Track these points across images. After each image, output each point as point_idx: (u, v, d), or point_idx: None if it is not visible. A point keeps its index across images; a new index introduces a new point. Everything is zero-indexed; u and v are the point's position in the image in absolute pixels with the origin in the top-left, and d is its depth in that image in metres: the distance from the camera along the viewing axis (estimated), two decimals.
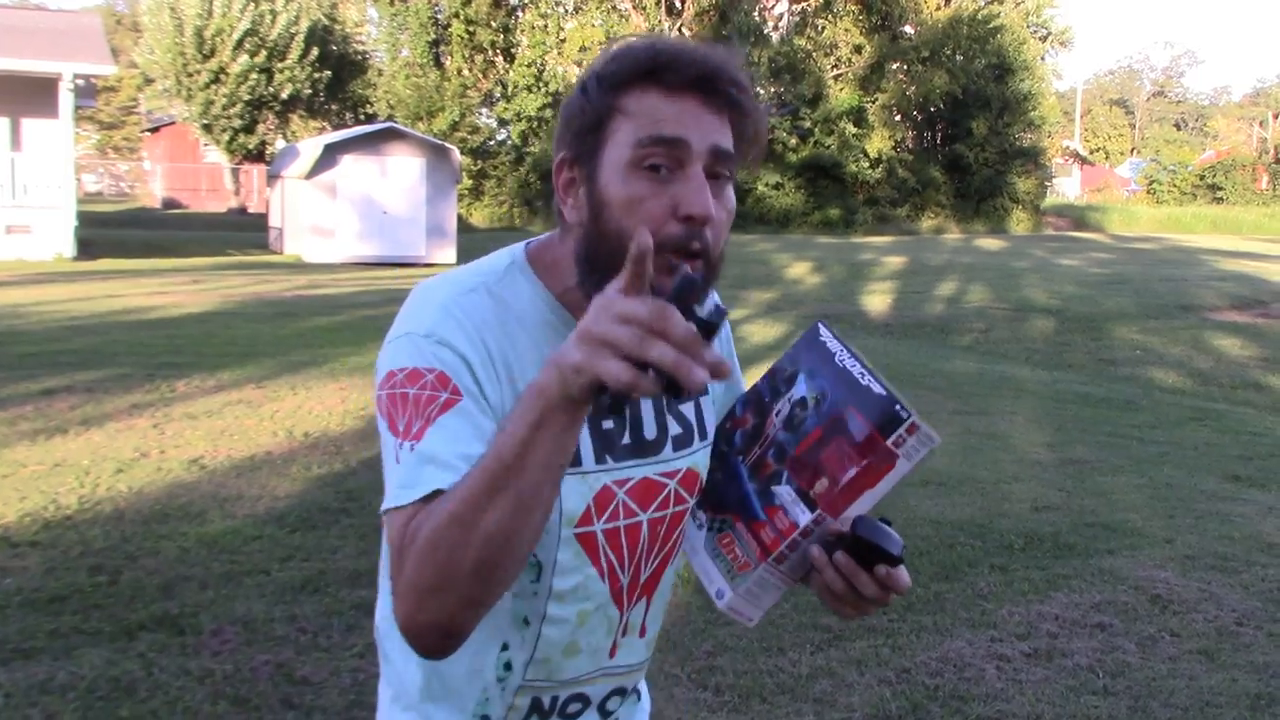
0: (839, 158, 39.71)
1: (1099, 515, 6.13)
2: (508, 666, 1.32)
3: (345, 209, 23.51)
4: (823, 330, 1.34)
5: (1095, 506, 6.32)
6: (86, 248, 21.42)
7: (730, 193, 1.24)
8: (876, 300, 17.95)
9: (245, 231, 30.49)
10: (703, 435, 1.39)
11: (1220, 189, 55.85)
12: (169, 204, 44.49)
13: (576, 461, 1.26)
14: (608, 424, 1.30)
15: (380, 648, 1.42)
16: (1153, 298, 18.27)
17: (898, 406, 1.21)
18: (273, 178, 27.53)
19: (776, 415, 1.33)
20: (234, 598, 4.43)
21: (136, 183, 52.60)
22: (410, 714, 1.37)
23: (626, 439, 1.31)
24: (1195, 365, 12.88)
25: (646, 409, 1.34)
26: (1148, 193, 58.12)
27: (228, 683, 3.72)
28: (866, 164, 40.30)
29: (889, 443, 1.22)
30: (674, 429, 1.36)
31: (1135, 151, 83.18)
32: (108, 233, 26.47)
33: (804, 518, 1.28)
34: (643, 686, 1.54)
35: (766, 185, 39.10)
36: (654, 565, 1.37)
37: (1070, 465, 7.33)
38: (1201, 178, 57.43)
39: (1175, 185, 57.27)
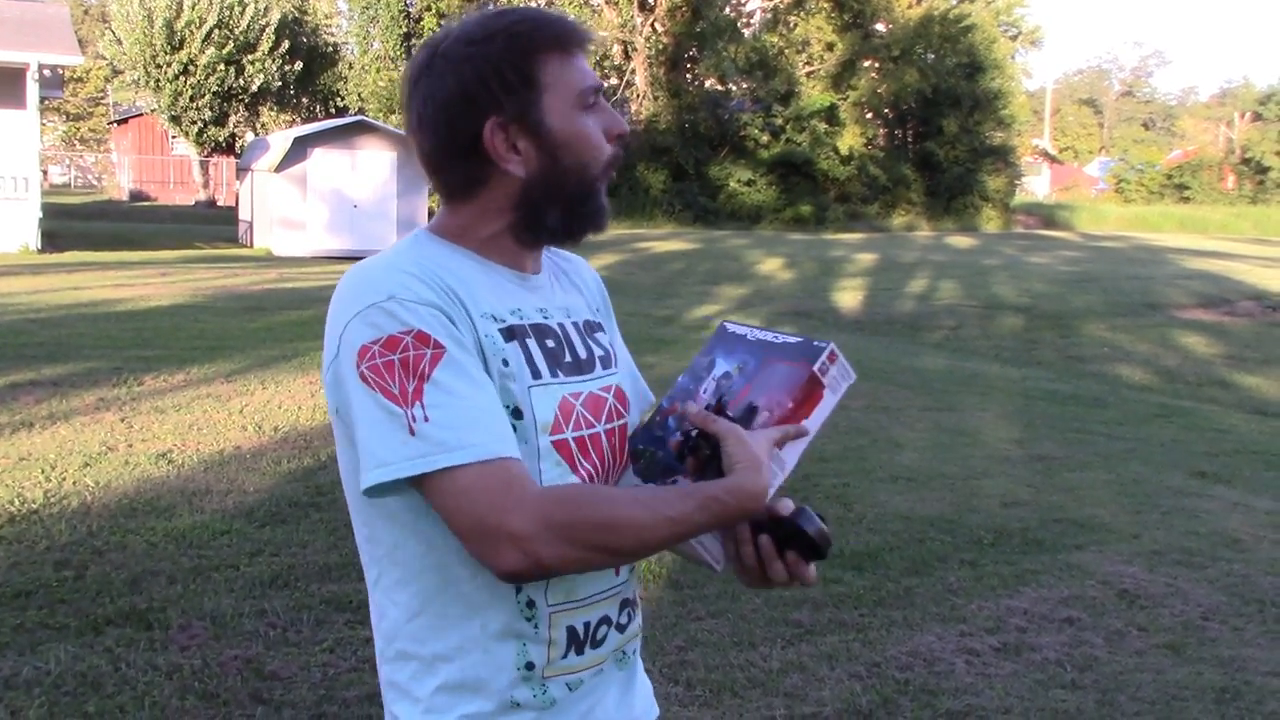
0: (810, 154, 39.79)
1: (1067, 511, 6.18)
2: (530, 604, 1.39)
3: (315, 202, 23.36)
4: (729, 326, 1.50)
5: (1063, 502, 6.37)
6: (52, 240, 21.20)
7: None
8: (848, 297, 18.02)
9: (214, 224, 30.25)
10: (617, 361, 1.56)
11: (1187, 188, 56.38)
12: (136, 196, 44.07)
13: (537, 374, 1.39)
14: (550, 343, 1.44)
15: (393, 649, 1.43)
16: (1120, 296, 18.42)
17: (815, 341, 1.36)
18: (242, 170, 27.32)
19: (704, 393, 1.44)
20: (202, 593, 4.40)
21: (103, 175, 52.11)
22: (441, 678, 1.40)
23: (568, 357, 1.46)
24: (1162, 363, 13.00)
25: (573, 333, 1.49)
26: (1116, 192, 58.62)
27: (196, 678, 3.69)
28: (838, 161, 40.40)
29: (815, 369, 1.35)
30: (598, 350, 1.52)
31: (1104, 151, 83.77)
32: (74, 225, 26.21)
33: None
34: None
35: (738, 181, 39.14)
36: (618, 479, 1.49)
37: (1039, 461, 7.38)
38: (1169, 177, 57.96)
39: (1143, 184, 57.78)
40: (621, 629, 1.51)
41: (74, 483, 5.73)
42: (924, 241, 32.87)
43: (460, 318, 1.34)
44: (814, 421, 1.39)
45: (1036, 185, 66.83)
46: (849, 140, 40.63)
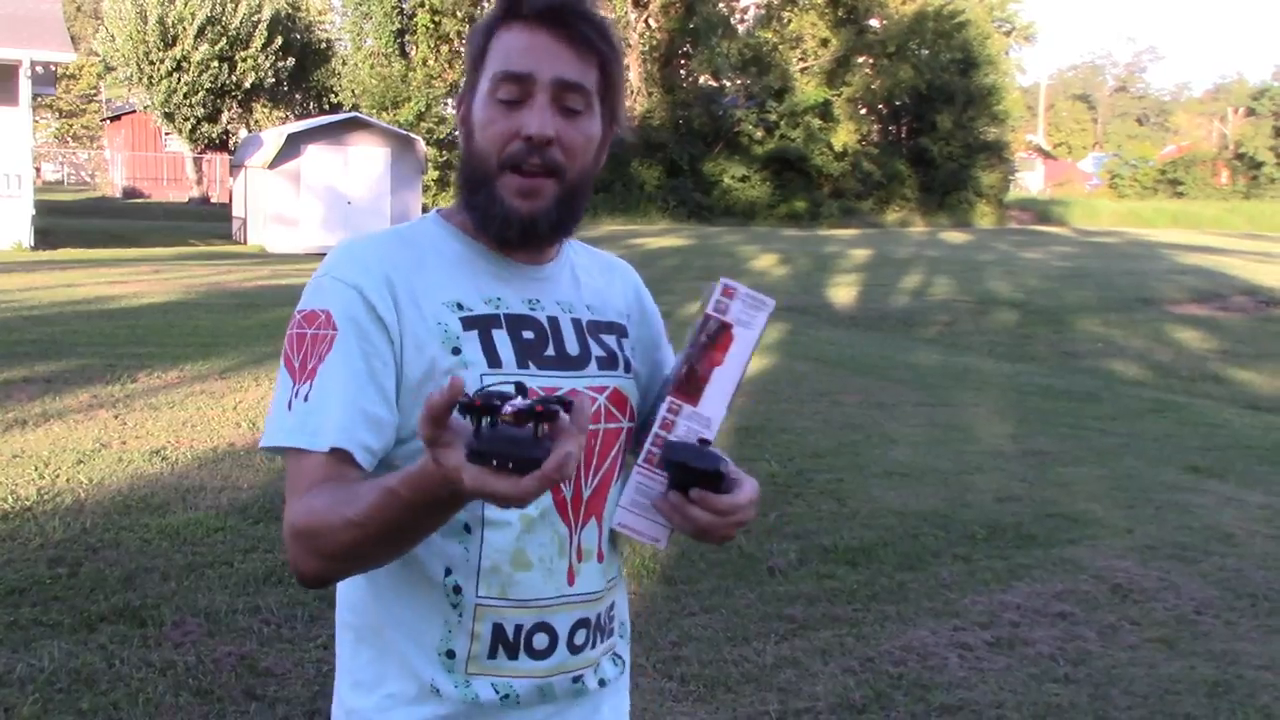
0: (805, 150, 39.79)
1: (1060, 506, 6.19)
2: (457, 590, 1.34)
3: (309, 199, 23.33)
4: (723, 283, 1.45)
5: (1057, 497, 6.38)
6: (45, 237, 21.15)
7: (587, 123, 1.37)
8: (842, 293, 18.03)
9: (207, 221, 30.20)
10: (627, 368, 1.48)
11: (1181, 184, 56.49)
12: (130, 193, 43.96)
13: (497, 363, 1.34)
14: (528, 334, 1.38)
15: (340, 619, 1.45)
16: (1114, 291, 18.45)
17: (713, 283, 1.32)
18: (235, 167, 27.28)
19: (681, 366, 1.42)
20: (196, 589, 4.40)
21: (96, 171, 51.98)
22: (374, 650, 1.39)
23: (550, 351, 1.40)
24: (1155, 358, 13.02)
25: (569, 331, 1.43)
26: (1110, 187, 58.71)
27: (190, 674, 3.69)
28: (832, 157, 40.41)
29: (710, 310, 1.31)
30: (597, 350, 1.44)
31: (1098, 146, 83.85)
32: (67, 222, 26.14)
33: (660, 409, 1.36)
34: (625, 654, 1.54)
35: (733, 178, 39.15)
36: (595, 482, 1.41)
37: (1032, 456, 7.39)
38: (1163, 173, 58.08)
39: (1137, 180, 57.88)
40: (574, 649, 1.40)
41: (68, 480, 5.72)
42: (918, 237, 32.89)
43: (390, 305, 1.32)
44: (734, 362, 1.34)
45: (1030, 181, 66.89)
46: (843, 136, 40.63)
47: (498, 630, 1.35)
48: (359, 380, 1.28)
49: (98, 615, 4.10)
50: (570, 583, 1.39)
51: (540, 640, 1.37)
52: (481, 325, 1.35)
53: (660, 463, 1.34)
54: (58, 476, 5.77)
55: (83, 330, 10.39)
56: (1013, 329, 14.86)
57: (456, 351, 1.32)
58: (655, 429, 1.35)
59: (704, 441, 1.34)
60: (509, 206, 1.35)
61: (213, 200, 39.49)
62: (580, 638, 1.41)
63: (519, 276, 1.42)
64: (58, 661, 3.72)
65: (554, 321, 1.42)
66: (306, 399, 1.28)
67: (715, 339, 1.32)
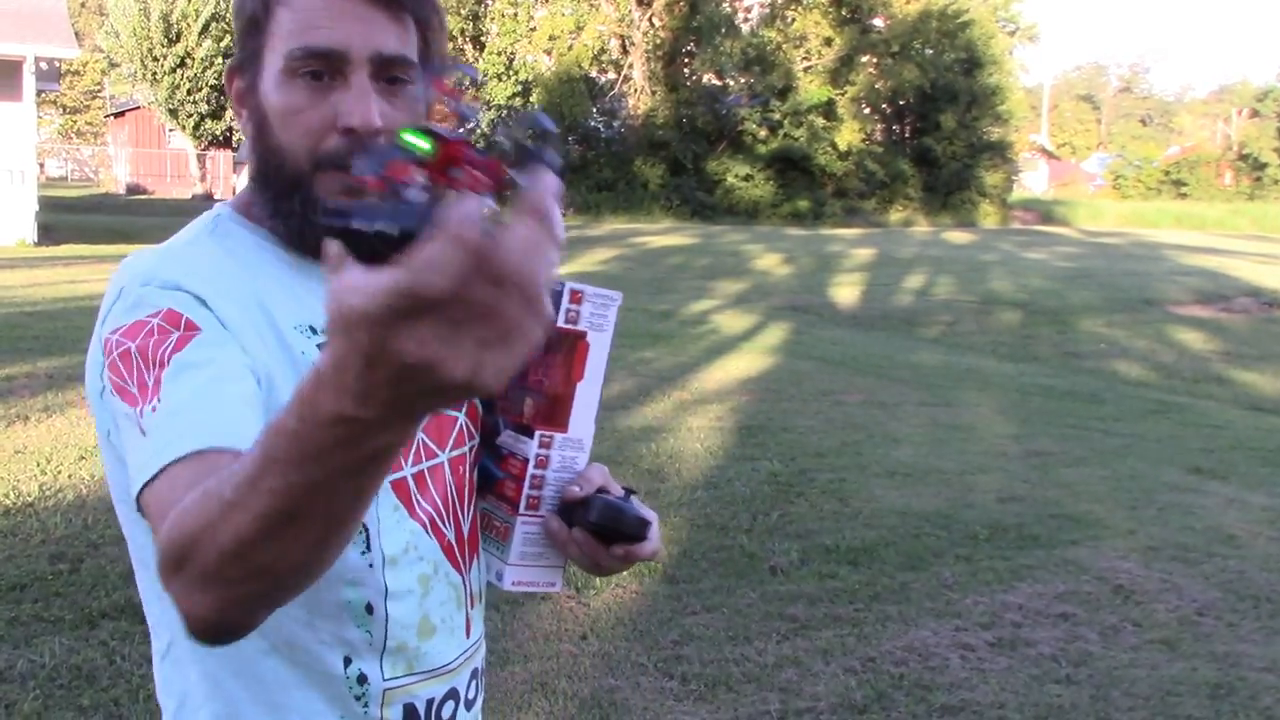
0: (808, 150, 39.77)
1: (1063, 506, 6.18)
2: (361, 680, 1.14)
3: None
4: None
5: (1059, 498, 6.37)
6: (49, 233, 21.16)
7: (412, 98, 1.12)
8: (845, 292, 18.01)
9: None
10: None
11: (1185, 185, 56.44)
12: (133, 189, 44.00)
13: None
14: None
15: (170, 658, 1.21)
16: (1118, 292, 18.43)
17: (554, 285, 1.14)
18: (239, 164, 27.29)
19: None
20: None
21: (100, 168, 52.02)
22: None
23: None
24: (1159, 359, 13.00)
25: None
26: (1113, 188, 58.66)
27: None
28: (835, 156, 40.38)
29: (561, 323, 1.12)
30: None
31: (1101, 147, 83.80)
32: (71, 218, 26.16)
33: (529, 449, 1.19)
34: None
35: (736, 177, 39.12)
36: (470, 515, 1.25)
37: (1035, 457, 7.39)
38: (1166, 173, 58.03)
39: (1140, 180, 57.84)
40: (470, 705, 1.26)
41: (69, 476, 5.72)
42: (921, 237, 32.87)
43: (238, 314, 1.07)
44: (594, 372, 1.17)
45: (1034, 181, 66.83)
46: (847, 135, 40.61)
47: (409, 711, 1.18)
48: (219, 375, 1.00)
49: (99, 611, 4.10)
50: (468, 634, 1.25)
51: (448, 709, 1.22)
52: None
53: (581, 525, 1.20)
54: (60, 472, 5.77)
55: (85, 326, 10.28)
56: (1016, 329, 14.84)
57: None
58: (531, 469, 1.19)
59: (629, 490, 1.23)
60: (329, 210, 0.95)
61: (216, 197, 39.52)
62: (473, 690, 1.27)
63: None
64: (59, 658, 3.72)
65: None
66: (155, 410, 0.96)
67: (572, 353, 1.15)
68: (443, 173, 0.74)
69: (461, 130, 0.80)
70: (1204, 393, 11.15)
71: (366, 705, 1.14)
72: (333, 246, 0.68)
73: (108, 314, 1.07)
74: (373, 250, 0.66)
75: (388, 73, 1.09)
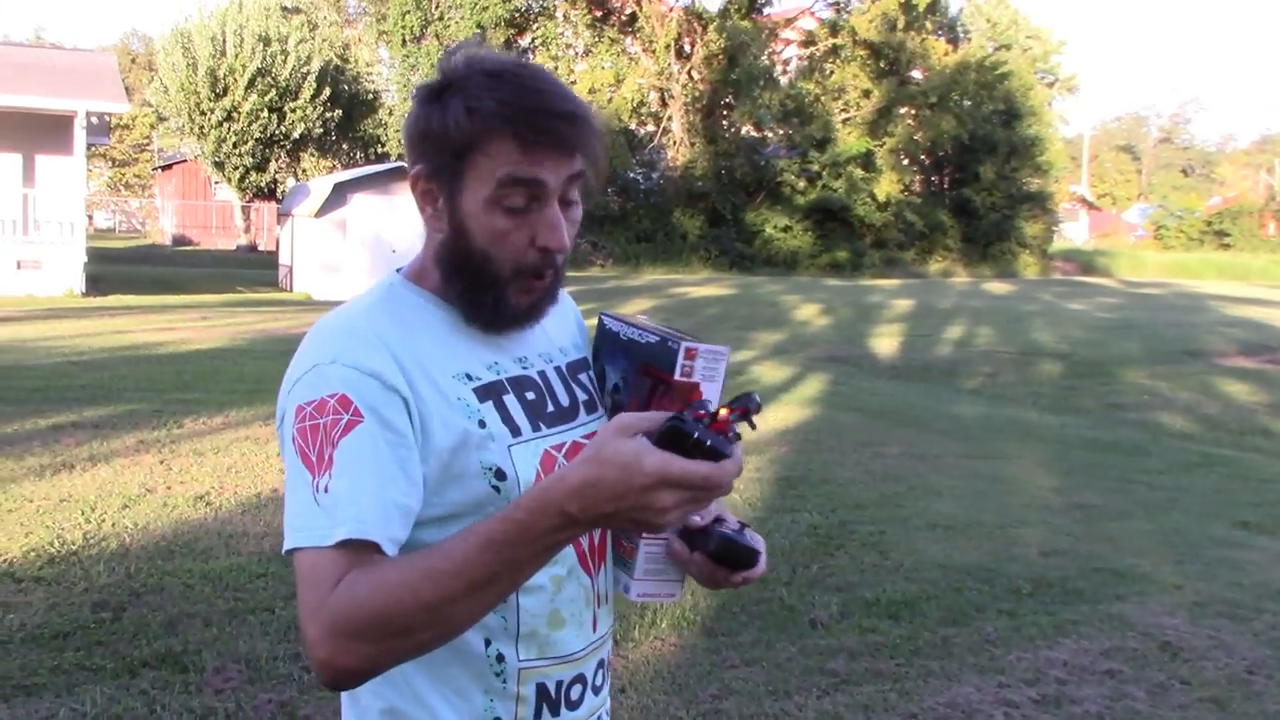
0: (847, 200, 39.88)
1: (1108, 561, 6.09)
2: (499, 659, 1.35)
3: (355, 247, 23.60)
4: (606, 321, 1.48)
5: (1104, 552, 6.28)
6: (96, 283, 21.52)
7: (578, 210, 1.38)
8: (884, 343, 17.95)
9: (255, 269, 30.61)
10: (602, 404, 1.50)
11: (1227, 235, 56.00)
12: (179, 240, 44.70)
13: (517, 431, 1.35)
14: (530, 395, 1.39)
15: (350, 700, 1.40)
16: (1161, 343, 18.26)
17: (669, 343, 1.31)
18: (283, 215, 27.67)
19: (606, 411, 1.47)
20: (238, 635, 4.41)
21: (147, 219, 52.90)
22: None
23: (550, 407, 1.41)
24: (1203, 411, 12.85)
25: (555, 380, 1.45)
26: (1155, 238, 58.31)
27: None
28: (874, 207, 40.46)
29: (679, 376, 1.30)
30: (581, 395, 1.47)
31: (1142, 197, 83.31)
32: (118, 269, 26.59)
33: None
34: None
35: (775, 228, 39.26)
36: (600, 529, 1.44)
37: (1078, 510, 7.30)
38: (1209, 224, 57.62)
39: (1182, 231, 57.47)
40: (597, 690, 1.46)
41: (113, 524, 5.78)
42: (961, 287, 32.75)
43: (405, 383, 1.28)
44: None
45: (1074, 231, 66.54)
46: (885, 186, 40.70)
47: (541, 690, 1.38)
48: (386, 468, 1.23)
49: (140, 660, 4.12)
50: (594, 629, 1.44)
51: (576, 691, 1.42)
52: (493, 394, 1.35)
53: (701, 550, 1.36)
54: (104, 521, 5.83)
55: (131, 376, 10.53)
56: (1057, 380, 14.73)
57: (482, 425, 1.32)
58: None
59: (742, 525, 1.38)
60: (514, 305, 1.36)
61: (260, 248, 40.05)
62: (599, 678, 1.47)
63: (502, 336, 1.41)
64: (100, 706, 3.74)
65: (544, 375, 1.44)
66: (328, 490, 1.20)
67: (689, 399, 1.30)
68: (724, 428, 1.10)
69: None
70: (1250, 445, 10.99)
71: (505, 682, 1.35)
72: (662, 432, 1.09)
73: (298, 380, 1.29)
74: (684, 448, 1.07)
75: (567, 193, 1.35)
